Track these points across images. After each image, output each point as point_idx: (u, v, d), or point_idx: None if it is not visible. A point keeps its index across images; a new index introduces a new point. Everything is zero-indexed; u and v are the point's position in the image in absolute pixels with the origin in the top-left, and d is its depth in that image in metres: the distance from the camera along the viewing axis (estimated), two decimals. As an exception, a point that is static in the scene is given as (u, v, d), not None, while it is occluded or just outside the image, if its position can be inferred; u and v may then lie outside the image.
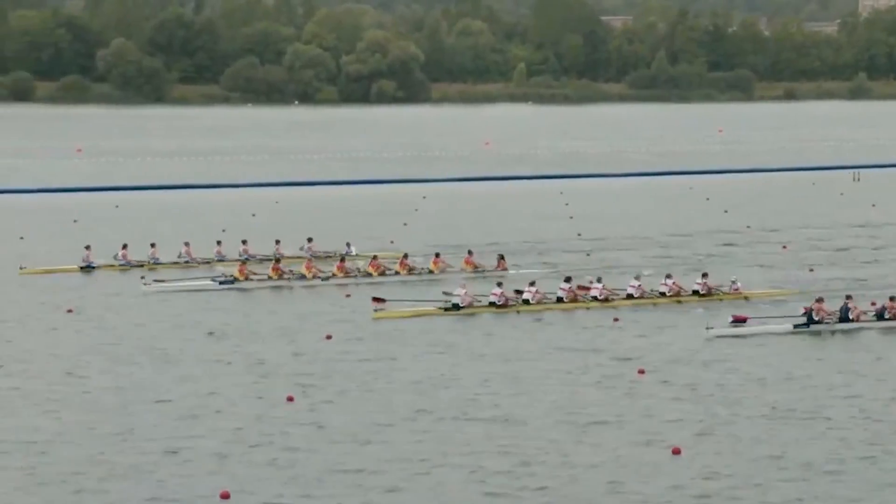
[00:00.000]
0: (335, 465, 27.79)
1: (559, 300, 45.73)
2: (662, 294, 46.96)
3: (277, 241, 56.69)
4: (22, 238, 62.25)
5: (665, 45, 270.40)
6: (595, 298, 46.06)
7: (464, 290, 45.06)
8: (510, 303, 45.09)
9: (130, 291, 49.48)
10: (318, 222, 72.86)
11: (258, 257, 55.51)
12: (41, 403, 32.97)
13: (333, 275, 51.65)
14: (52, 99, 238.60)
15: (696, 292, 47.10)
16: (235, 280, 50.48)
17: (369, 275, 51.55)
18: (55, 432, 30.26)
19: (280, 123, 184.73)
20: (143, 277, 51.53)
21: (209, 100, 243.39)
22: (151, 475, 27.01)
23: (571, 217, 75.25)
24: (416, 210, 79.17)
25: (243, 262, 52.80)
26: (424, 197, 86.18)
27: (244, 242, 56.63)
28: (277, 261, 52.67)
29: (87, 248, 54.91)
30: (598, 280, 46.79)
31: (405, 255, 53.28)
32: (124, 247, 55.40)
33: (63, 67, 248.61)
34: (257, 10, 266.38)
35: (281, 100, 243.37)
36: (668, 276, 47.67)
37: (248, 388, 34.58)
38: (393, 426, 30.79)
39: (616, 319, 43.78)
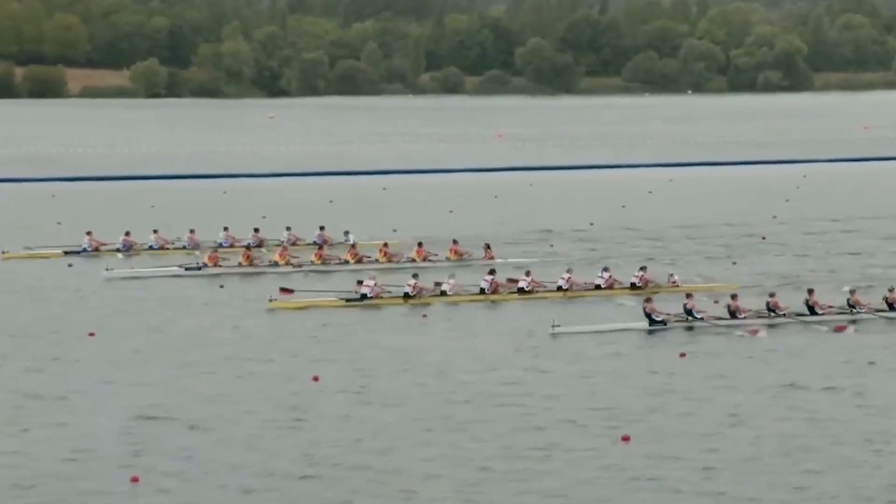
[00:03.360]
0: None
1: (482, 291, 40.17)
2: (598, 287, 40.88)
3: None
4: (451, 212, 64.02)
5: None
6: (522, 290, 40.44)
7: (373, 282, 39.61)
8: (424, 294, 39.80)
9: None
10: (704, 200, 72.25)
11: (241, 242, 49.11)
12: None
13: (311, 262, 45.86)
14: (477, 91, 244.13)
15: (633, 285, 40.84)
16: (205, 266, 45.01)
17: (347, 262, 45.90)
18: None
19: (674, 111, 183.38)
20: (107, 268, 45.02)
21: (612, 90, 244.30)
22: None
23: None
24: (798, 188, 77.40)
25: (215, 250, 46.90)
26: (805, 176, 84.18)
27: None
28: (248, 248, 46.98)
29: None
30: (527, 273, 40.90)
31: (385, 244, 47.42)
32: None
33: (487, 63, 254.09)
34: (656, 10, 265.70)
35: (675, 89, 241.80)
36: (605, 269, 41.50)
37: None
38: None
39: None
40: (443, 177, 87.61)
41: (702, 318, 35.83)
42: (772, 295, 37.15)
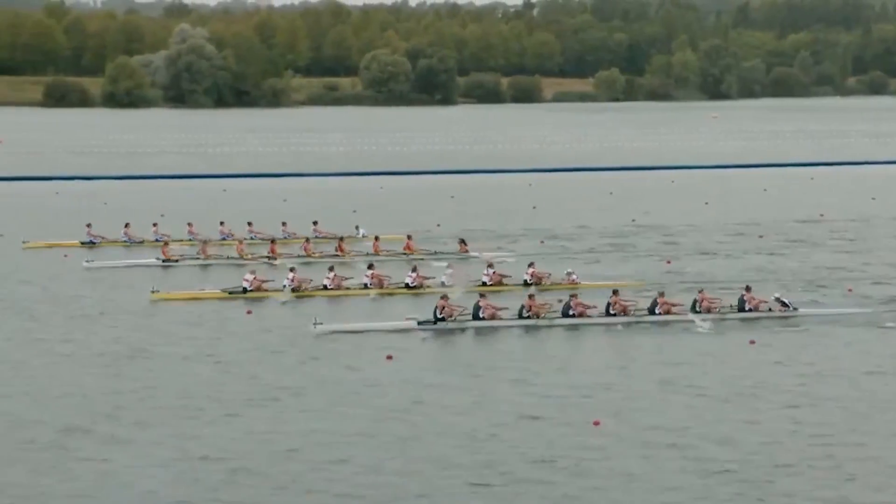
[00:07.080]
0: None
1: (365, 286, 35.20)
2: (483, 283, 35.21)
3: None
4: (874, 199, 61.58)
5: None
6: (407, 286, 35.34)
7: (252, 276, 35.25)
8: (304, 287, 35.04)
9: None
10: None
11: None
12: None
13: (269, 256, 41.07)
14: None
15: (525, 282, 35.39)
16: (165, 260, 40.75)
17: (300, 256, 41.00)
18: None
19: None
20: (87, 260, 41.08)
21: None
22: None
23: None
24: None
25: (166, 243, 42.14)
26: None
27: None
28: (204, 243, 42.42)
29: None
30: (414, 269, 35.77)
31: (341, 238, 42.77)
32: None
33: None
34: None
35: None
36: (490, 266, 36.15)
37: None
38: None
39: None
40: (867, 168, 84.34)
41: (483, 318, 30.70)
42: (627, 293, 32.86)
